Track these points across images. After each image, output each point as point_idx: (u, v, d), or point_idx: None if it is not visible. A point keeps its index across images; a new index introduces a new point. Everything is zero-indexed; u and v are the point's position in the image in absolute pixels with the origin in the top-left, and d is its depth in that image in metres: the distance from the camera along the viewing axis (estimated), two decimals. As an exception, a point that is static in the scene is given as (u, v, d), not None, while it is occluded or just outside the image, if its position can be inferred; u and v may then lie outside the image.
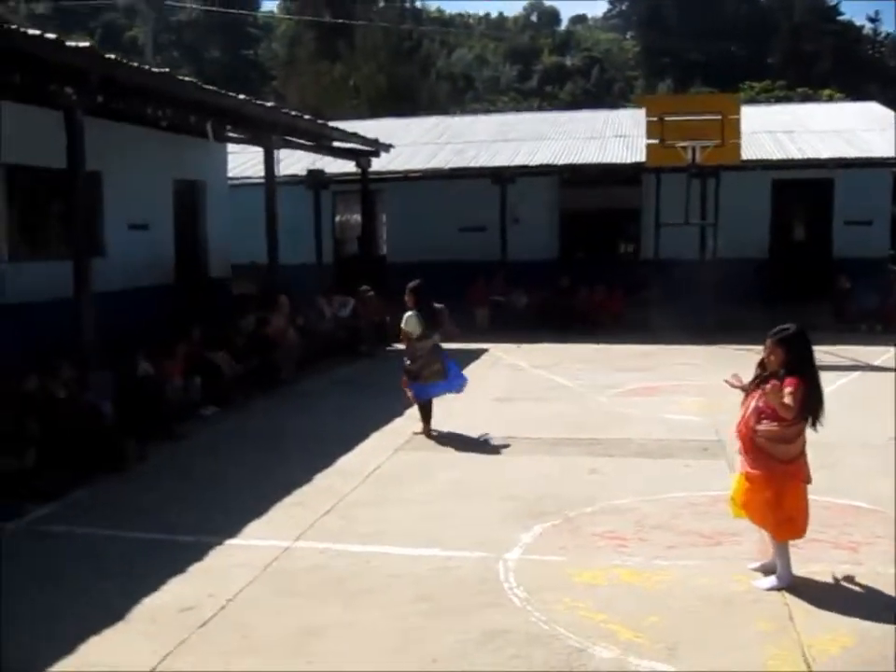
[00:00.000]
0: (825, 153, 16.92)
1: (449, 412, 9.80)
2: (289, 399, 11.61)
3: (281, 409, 11.02)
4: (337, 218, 21.75)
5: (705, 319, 16.21)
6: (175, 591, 5.36)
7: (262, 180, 18.78)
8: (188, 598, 5.22)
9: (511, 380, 12.75)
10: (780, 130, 18.56)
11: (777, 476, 5.26)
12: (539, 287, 18.53)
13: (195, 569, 5.72)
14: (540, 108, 61.83)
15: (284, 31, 64.57)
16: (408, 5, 62.00)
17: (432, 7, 77.45)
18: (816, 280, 18.17)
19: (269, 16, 68.72)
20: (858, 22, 79.04)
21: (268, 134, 12.60)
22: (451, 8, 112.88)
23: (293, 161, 18.90)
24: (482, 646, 4.53)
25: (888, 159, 16.91)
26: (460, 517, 6.63)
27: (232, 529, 6.40)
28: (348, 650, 4.55)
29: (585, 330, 16.87)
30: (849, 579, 5.28)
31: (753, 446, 5.39)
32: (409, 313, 9.26)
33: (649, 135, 14.90)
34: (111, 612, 5.03)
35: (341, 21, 45.98)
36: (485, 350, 15.21)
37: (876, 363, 13.19)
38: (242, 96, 11.32)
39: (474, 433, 9.35)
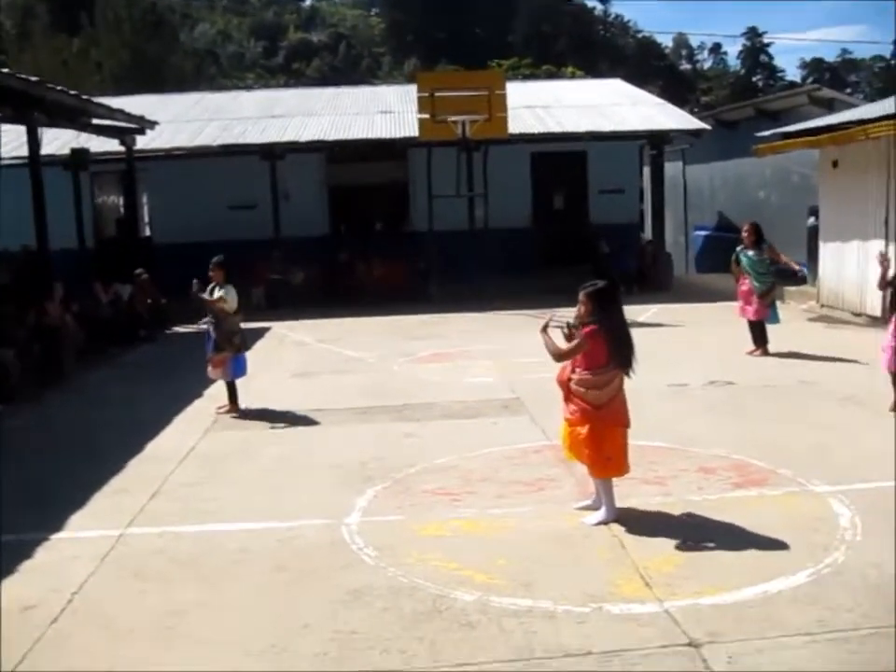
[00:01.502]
0: (583, 126, 18.05)
1: (248, 389, 9.76)
2: (78, 390, 11.08)
3: (72, 401, 10.51)
4: (97, 200, 20.71)
5: (478, 287, 16.97)
6: (11, 591, 5.08)
7: (14, 161, 17.76)
8: (27, 597, 4.98)
9: (302, 355, 12.82)
10: (538, 105, 19.57)
11: (592, 419, 5.71)
12: (313, 264, 18.61)
13: (26, 567, 5.46)
14: (287, 85, 61.17)
15: (11, 1, 59.80)
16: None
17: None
18: (576, 246, 19.40)
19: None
20: (590, 4, 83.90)
21: (31, 111, 11.81)
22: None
23: (46, 141, 17.72)
24: (349, 605, 4.68)
25: (640, 131, 18.28)
26: (291, 489, 6.71)
27: (55, 523, 6.13)
28: (218, 627, 4.54)
29: (366, 303, 17.17)
30: (690, 515, 5.81)
31: (570, 393, 5.83)
32: (226, 287, 9.13)
33: (420, 110, 15.30)
34: (-54, 619, 4.74)
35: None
36: (268, 328, 15.13)
37: (640, 320, 14.33)
38: (5, 70, 10.58)
39: (281, 408, 9.38)
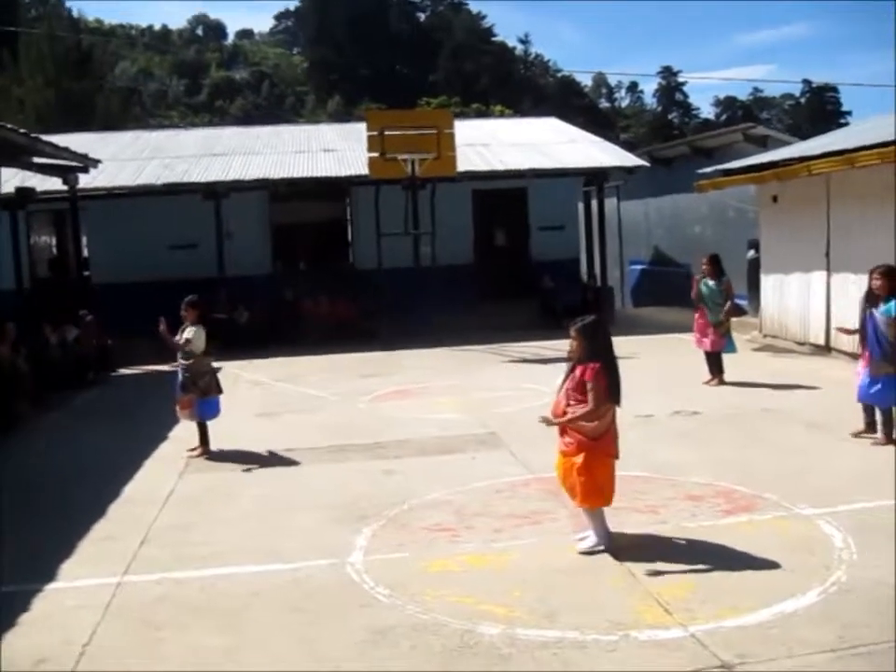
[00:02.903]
0: (525, 164, 18.36)
1: (214, 430, 9.60)
2: (35, 434, 10.78)
3: (32, 444, 10.24)
4: (30, 241, 20.27)
5: (425, 323, 17.07)
6: (17, 645, 4.94)
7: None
8: (37, 650, 4.84)
9: (261, 395, 12.72)
10: (478, 143, 19.84)
11: (587, 450, 5.83)
12: (258, 303, 18.48)
13: (27, 619, 5.30)
14: (212, 123, 60.89)
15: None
16: (66, 14, 58.64)
17: (90, 17, 73.34)
18: (518, 281, 19.68)
19: None
20: (510, 44, 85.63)
21: (-22, 150, 11.58)
22: (111, 18, 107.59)
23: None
24: (376, 644, 4.68)
25: (581, 168, 18.69)
26: (285, 530, 6.65)
27: (47, 573, 5.98)
28: (248, 668, 4.50)
29: (314, 341, 17.10)
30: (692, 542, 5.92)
31: (565, 426, 5.94)
32: (194, 327, 9.04)
33: (370, 148, 15.39)
34: (-46, 679, 4.58)
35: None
36: (218, 368, 14.91)
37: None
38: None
39: (252, 448, 9.30)
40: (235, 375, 14.46)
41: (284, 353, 16.18)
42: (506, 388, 12.19)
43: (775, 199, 14.56)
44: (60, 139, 19.18)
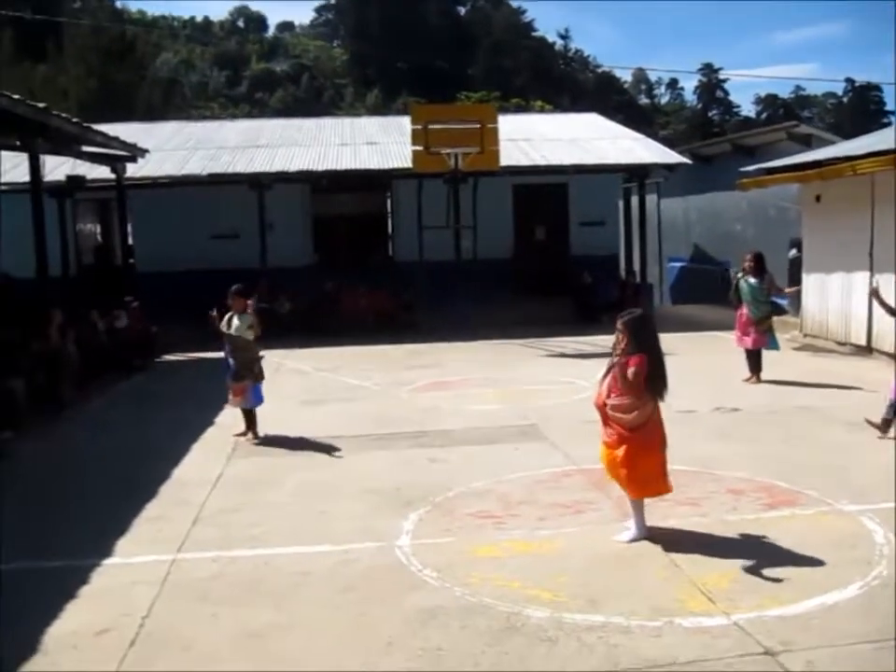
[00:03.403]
0: (566, 160, 18.43)
1: (259, 417, 9.81)
2: (83, 418, 11.06)
3: (81, 428, 10.50)
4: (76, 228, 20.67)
5: (464, 317, 17.19)
6: (79, 616, 5.13)
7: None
8: (98, 622, 5.03)
9: (304, 383, 12.91)
10: (520, 138, 19.93)
11: (626, 442, 5.94)
12: (299, 293, 18.71)
13: (86, 593, 5.50)
14: (251, 115, 61.41)
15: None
16: (109, 5, 59.39)
17: (133, 7, 74.26)
18: (557, 277, 19.75)
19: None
20: (550, 39, 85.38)
21: (34, 138, 11.84)
22: (153, 10, 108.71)
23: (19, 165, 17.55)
24: (425, 624, 4.82)
25: (622, 165, 18.73)
26: (332, 514, 6.81)
27: (102, 549, 6.17)
28: (302, 647, 4.64)
29: (353, 333, 17.30)
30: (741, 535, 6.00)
31: (607, 417, 6.05)
32: (246, 314, 9.25)
33: (414, 142, 15.55)
34: (21, 645, 4.76)
35: (41, 18, 43.11)
36: (261, 356, 15.14)
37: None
38: (15, 95, 10.64)
39: (298, 435, 9.48)
40: (277, 364, 14.67)
41: (324, 343, 16.37)
42: (545, 382, 12.29)
43: (818, 198, 14.51)
44: (105, 129, 19.55)
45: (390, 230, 21.07)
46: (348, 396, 11.77)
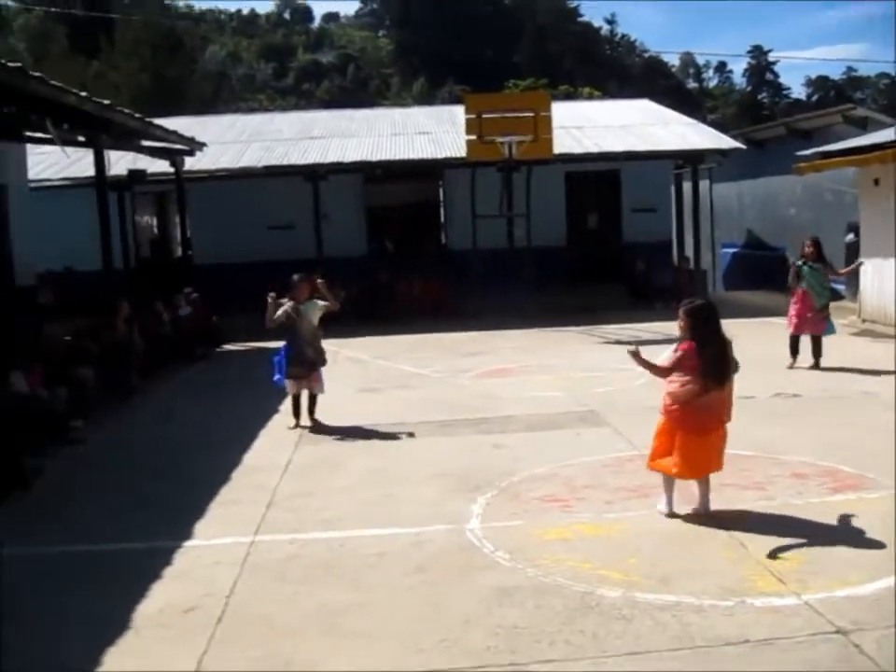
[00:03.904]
0: (619, 146, 18.42)
1: (320, 404, 10.00)
2: (150, 406, 11.37)
3: (149, 417, 10.81)
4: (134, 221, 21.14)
5: (518, 304, 17.29)
6: (165, 595, 5.34)
7: (61, 183, 18.18)
8: (184, 600, 5.24)
9: (361, 371, 13.10)
10: (571, 125, 19.92)
11: (665, 413, 6.20)
12: (353, 283, 18.91)
13: (171, 573, 5.72)
14: (298, 106, 61.86)
15: (22, 24, 60.42)
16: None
17: (180, 2, 74.93)
18: (610, 264, 19.75)
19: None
20: (596, 24, 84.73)
21: (99, 134, 12.15)
22: (201, 4, 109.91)
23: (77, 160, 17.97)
24: (500, 603, 4.96)
25: (676, 151, 18.67)
26: (402, 498, 6.98)
27: (182, 532, 6.40)
28: (382, 624, 4.80)
29: (408, 321, 17.49)
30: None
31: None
32: (314, 301, 9.46)
33: (468, 131, 15.66)
34: (112, 623, 4.94)
35: (94, 14, 43.86)
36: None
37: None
38: (83, 93, 10.94)
39: (359, 422, 9.65)
40: (335, 352, 14.78)
41: (380, 332, 16.57)
42: (602, 368, 12.34)
43: (876, 182, 14.36)
44: (160, 123, 19.91)
45: (442, 219, 21.19)
46: (407, 383, 11.95)
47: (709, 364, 6.10)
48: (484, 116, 15.38)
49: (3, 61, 9.09)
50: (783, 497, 6.50)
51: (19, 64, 9.49)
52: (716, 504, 6.21)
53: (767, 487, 6.74)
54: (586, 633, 4.54)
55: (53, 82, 10.07)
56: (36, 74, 9.84)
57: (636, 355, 6.25)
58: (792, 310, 11.79)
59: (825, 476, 6.98)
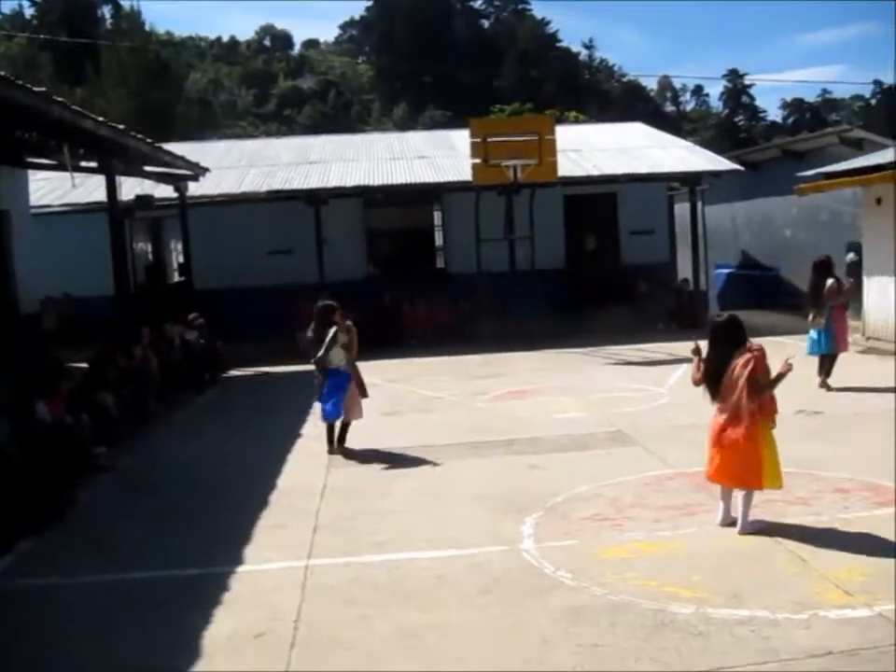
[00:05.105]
0: (618, 169, 18.62)
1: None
2: (171, 431, 11.34)
3: (173, 441, 10.77)
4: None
5: (525, 327, 17.37)
6: (230, 621, 5.32)
7: (62, 209, 18.14)
8: (251, 626, 5.22)
9: (379, 395, 13.01)
10: (569, 149, 20.11)
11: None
12: (356, 307, 18.90)
13: (230, 598, 5.70)
14: (280, 132, 62.01)
15: (3, 52, 60.27)
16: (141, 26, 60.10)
17: (160, 30, 74.93)
18: (609, 286, 19.87)
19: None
20: (575, 49, 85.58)
21: (112, 159, 12.17)
22: (181, 30, 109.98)
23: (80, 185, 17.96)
24: (574, 622, 4.99)
25: (675, 173, 18.88)
26: (450, 520, 7.00)
27: (233, 557, 6.40)
28: (462, 645, 4.82)
29: (414, 344, 17.54)
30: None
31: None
32: (350, 327, 9.48)
33: (473, 155, 15.78)
34: (183, 650, 4.95)
35: (77, 41, 43.88)
36: (327, 370, 15.41)
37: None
38: (100, 118, 10.96)
39: (389, 446, 9.65)
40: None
41: (388, 356, 16.54)
42: (618, 389, 12.43)
43: (878, 201, 14.59)
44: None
45: (441, 242, 21.30)
46: (426, 406, 11.97)
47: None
48: (489, 140, 15.51)
49: (28, 85, 9.11)
50: (830, 512, 6.57)
51: (43, 89, 9.50)
52: (766, 519, 6.28)
53: (812, 503, 6.82)
54: (668, 649, 4.58)
55: (75, 107, 10.09)
56: (60, 98, 9.87)
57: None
58: (839, 328, 11.79)
59: (867, 491, 7.07)
